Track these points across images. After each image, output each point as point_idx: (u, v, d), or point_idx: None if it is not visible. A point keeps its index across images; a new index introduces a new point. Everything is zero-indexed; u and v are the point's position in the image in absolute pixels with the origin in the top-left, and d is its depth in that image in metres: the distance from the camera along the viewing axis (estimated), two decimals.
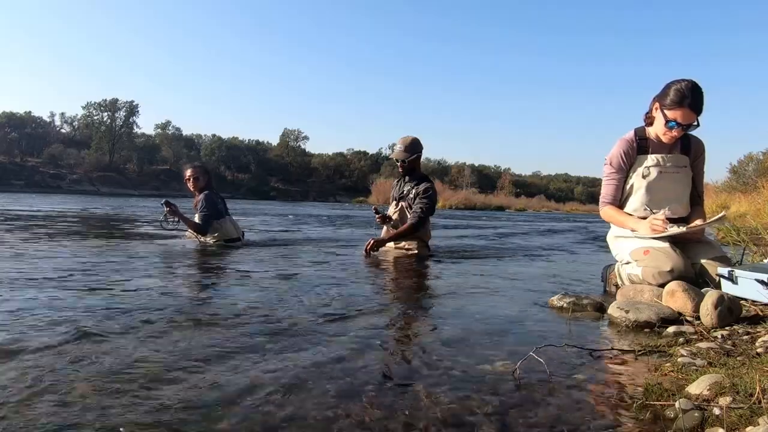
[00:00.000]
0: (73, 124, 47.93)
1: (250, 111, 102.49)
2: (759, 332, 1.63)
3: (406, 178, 4.28)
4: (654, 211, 2.53)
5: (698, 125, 2.42)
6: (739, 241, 3.32)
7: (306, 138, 55.42)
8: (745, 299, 2.00)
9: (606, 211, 2.69)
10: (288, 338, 1.66)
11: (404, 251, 4.12)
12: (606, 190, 2.67)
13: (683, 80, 2.38)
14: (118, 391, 1.14)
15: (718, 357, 1.43)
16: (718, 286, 2.16)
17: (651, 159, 2.54)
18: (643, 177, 2.54)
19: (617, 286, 2.53)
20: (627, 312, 1.93)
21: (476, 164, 55.87)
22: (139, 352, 1.42)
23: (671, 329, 1.75)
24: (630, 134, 2.61)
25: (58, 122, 48.40)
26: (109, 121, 43.80)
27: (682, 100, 2.34)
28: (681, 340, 1.65)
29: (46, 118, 47.08)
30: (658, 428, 1.05)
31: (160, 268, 3.00)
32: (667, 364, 1.41)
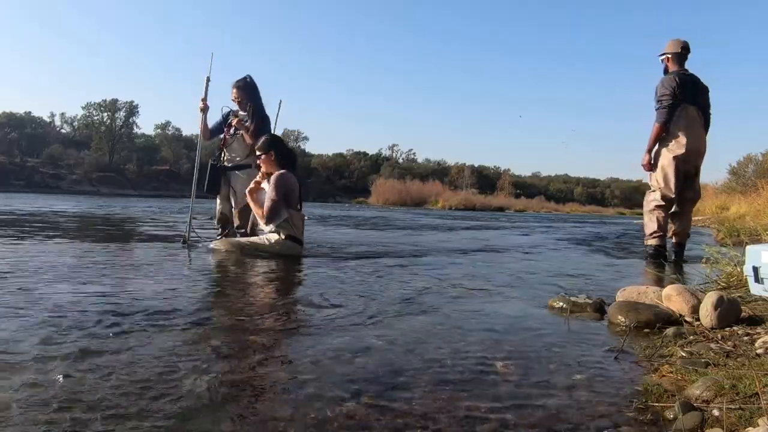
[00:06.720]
0: (73, 124, 47.81)
1: None
2: (759, 333, 1.64)
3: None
4: None
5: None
6: (740, 242, 3.32)
7: (306, 138, 55.36)
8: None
9: None
10: (286, 338, 1.67)
11: None
12: None
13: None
14: (132, 382, 1.15)
15: (717, 358, 1.43)
16: None
17: None
18: None
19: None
20: (627, 313, 1.94)
21: (476, 165, 55.63)
22: (150, 350, 1.42)
23: (671, 330, 1.75)
24: None
25: (58, 122, 48.35)
26: (108, 121, 43.74)
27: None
28: (681, 340, 1.65)
29: (46, 118, 47.00)
30: (658, 429, 1.05)
31: (156, 270, 3.00)
32: (667, 365, 1.41)
